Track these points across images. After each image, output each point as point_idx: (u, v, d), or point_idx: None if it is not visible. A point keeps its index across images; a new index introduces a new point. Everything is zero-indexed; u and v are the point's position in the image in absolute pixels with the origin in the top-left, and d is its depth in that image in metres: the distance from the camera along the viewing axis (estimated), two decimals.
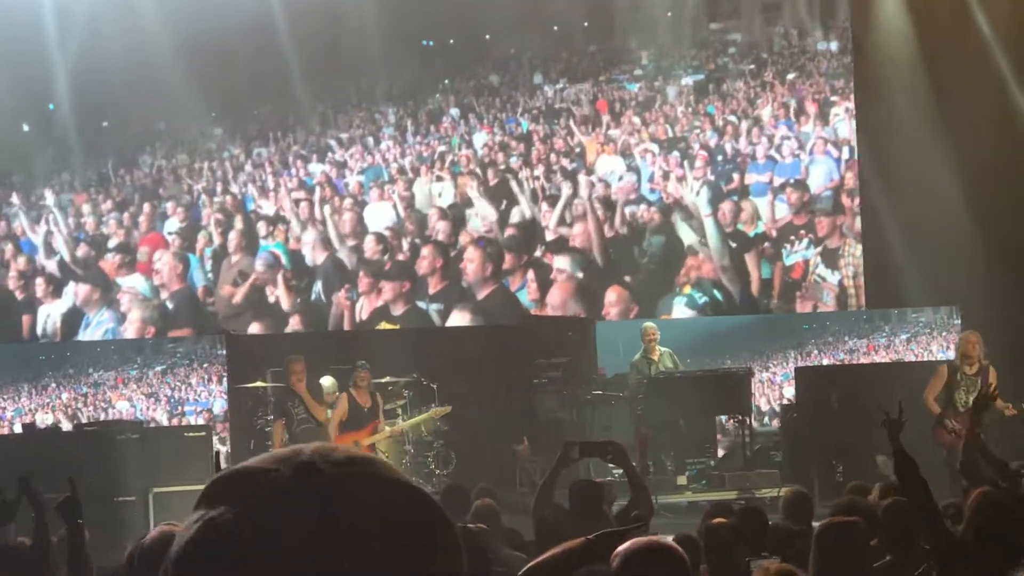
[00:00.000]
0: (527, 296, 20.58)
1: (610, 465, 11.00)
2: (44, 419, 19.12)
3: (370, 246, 20.65)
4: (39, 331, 20.27)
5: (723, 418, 18.22)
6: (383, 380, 16.80)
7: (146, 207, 20.82)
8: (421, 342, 18.69)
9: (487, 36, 21.61)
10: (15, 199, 20.68)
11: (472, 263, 20.57)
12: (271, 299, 20.47)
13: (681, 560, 4.98)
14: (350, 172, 21.12)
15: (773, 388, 20.23)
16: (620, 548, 4.87)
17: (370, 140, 21.32)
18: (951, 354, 16.56)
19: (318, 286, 20.58)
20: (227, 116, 21.12)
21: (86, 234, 20.67)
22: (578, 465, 12.14)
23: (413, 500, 1.46)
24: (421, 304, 20.46)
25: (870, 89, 20.60)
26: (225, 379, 19.28)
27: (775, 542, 7.92)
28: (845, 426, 15.61)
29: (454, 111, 21.48)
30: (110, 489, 14.98)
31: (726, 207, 20.79)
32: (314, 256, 20.65)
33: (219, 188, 20.99)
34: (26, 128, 20.66)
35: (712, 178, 20.88)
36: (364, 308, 20.41)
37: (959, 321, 19.29)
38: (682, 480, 16.63)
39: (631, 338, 18.19)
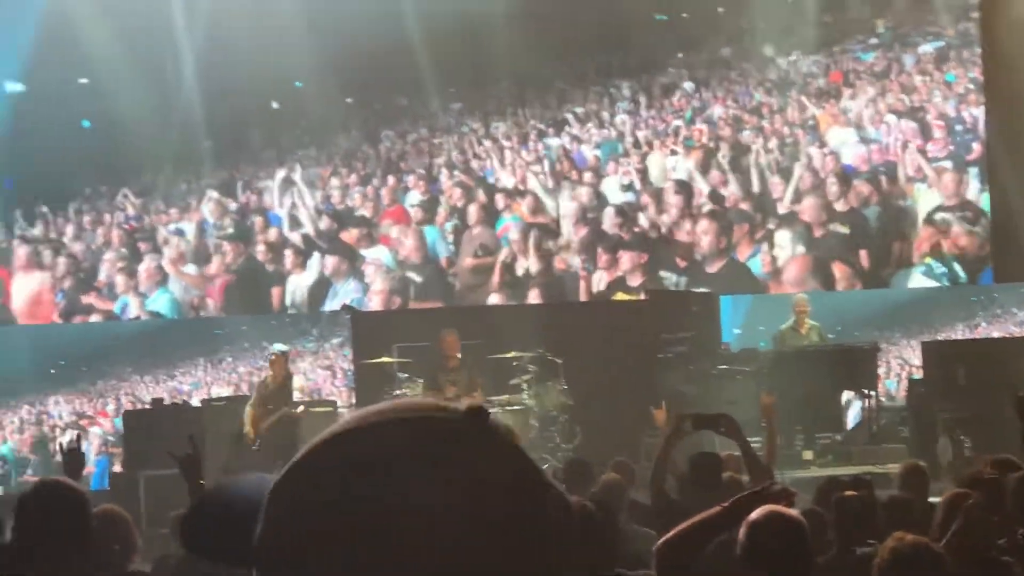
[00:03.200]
0: (761, 268, 20.57)
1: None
2: (220, 392, 19.56)
3: (609, 219, 20.85)
4: (288, 302, 20.84)
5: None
6: (508, 355, 16.77)
7: (390, 180, 21.30)
8: (547, 317, 18.58)
9: (720, 9, 21.64)
10: (264, 174, 21.30)
11: (707, 236, 20.63)
12: (520, 270, 20.76)
13: (803, 530, 4.97)
14: (587, 146, 21.35)
15: None
16: (746, 517, 4.92)
17: (605, 115, 21.50)
18: None
19: (561, 259, 20.82)
20: (466, 92, 21.50)
21: (332, 207, 21.20)
22: (704, 439, 12.11)
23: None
24: (665, 274, 20.58)
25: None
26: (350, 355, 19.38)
27: (891, 514, 7.82)
28: (973, 401, 15.32)
29: (688, 85, 21.55)
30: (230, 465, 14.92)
31: (949, 178, 20.50)
32: (559, 228, 20.91)
33: (459, 162, 21.37)
34: (275, 106, 21.27)
35: (952, 148, 20.64)
36: (603, 279, 20.62)
37: None
38: (808, 455, 16.45)
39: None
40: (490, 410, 1.43)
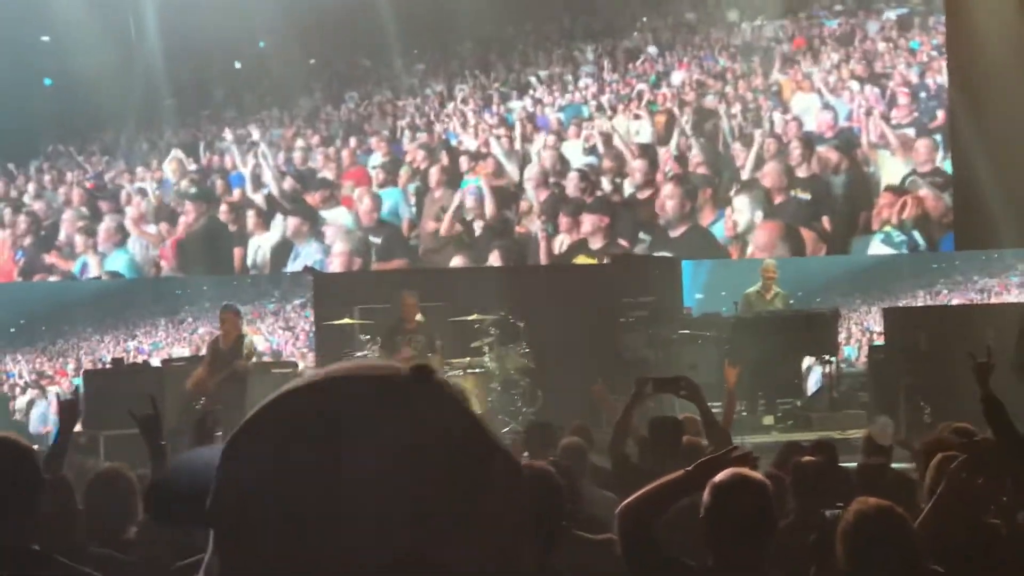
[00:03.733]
0: (724, 232, 20.62)
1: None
2: (180, 353, 19.49)
3: (572, 182, 20.85)
4: (250, 262, 20.79)
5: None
6: (470, 317, 16.74)
7: (352, 142, 21.25)
8: (509, 280, 18.50)
9: None
10: (227, 134, 21.22)
11: (671, 200, 20.66)
12: (478, 232, 20.78)
13: (768, 492, 4.95)
14: (550, 109, 21.34)
15: None
16: (711, 480, 4.90)
17: (569, 78, 21.49)
18: None
19: (525, 222, 20.83)
20: (429, 54, 21.45)
21: (294, 168, 21.15)
22: (664, 402, 12.15)
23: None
24: (644, 236, 20.63)
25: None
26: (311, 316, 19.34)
27: (859, 478, 7.87)
28: (933, 368, 15.25)
29: (652, 49, 21.55)
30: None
31: (921, 144, 20.60)
32: (520, 191, 20.91)
33: (422, 124, 21.33)
34: (238, 65, 21.18)
35: (916, 115, 20.72)
36: (564, 242, 20.64)
37: None
38: (769, 420, 16.51)
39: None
40: (450, 372, 1.45)
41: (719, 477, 4.90)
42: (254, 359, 16.07)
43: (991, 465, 6.41)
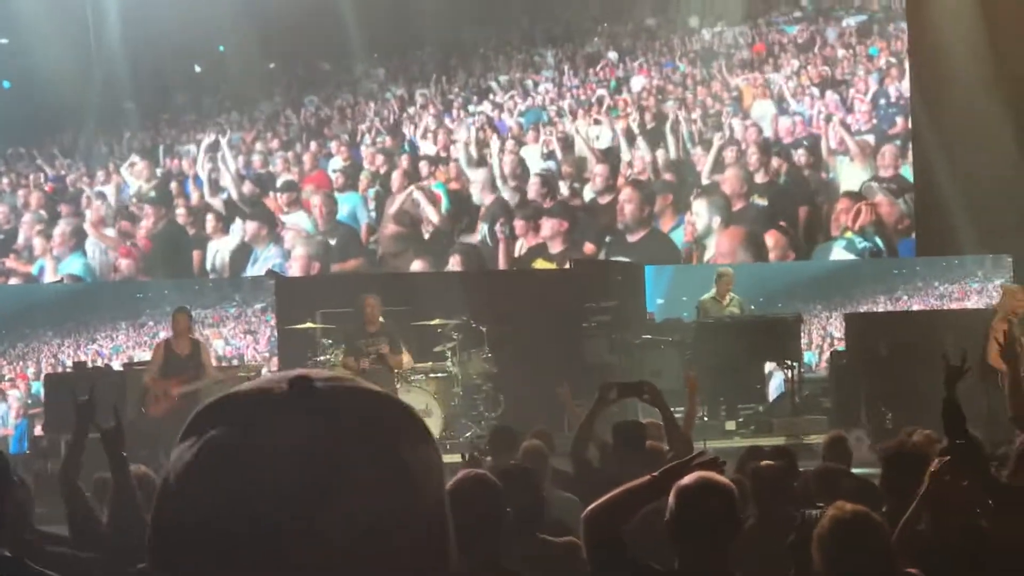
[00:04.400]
0: (683, 238, 20.67)
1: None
2: (141, 356, 19.38)
3: (533, 187, 20.87)
4: (208, 266, 20.72)
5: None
6: (432, 322, 16.76)
7: (312, 146, 21.21)
8: (472, 285, 18.49)
9: None
10: (187, 138, 21.14)
11: (630, 204, 20.70)
12: (435, 236, 20.76)
13: (732, 496, 4.97)
14: (510, 114, 21.34)
15: None
16: (676, 484, 4.92)
17: (529, 83, 21.51)
18: None
19: (482, 227, 20.83)
20: (390, 57, 21.43)
21: (253, 172, 21.09)
22: (628, 407, 12.18)
23: (395, 408, 1.50)
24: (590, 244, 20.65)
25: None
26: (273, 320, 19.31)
27: (821, 483, 7.92)
28: (895, 373, 15.30)
29: (612, 55, 21.59)
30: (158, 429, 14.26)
31: (887, 150, 20.70)
32: (481, 196, 20.92)
33: (382, 128, 21.31)
34: (198, 69, 21.11)
35: (875, 121, 20.81)
36: (523, 246, 20.66)
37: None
38: (731, 426, 16.54)
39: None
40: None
41: (685, 481, 4.92)
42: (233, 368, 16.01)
43: (974, 467, 6.45)
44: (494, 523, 5.37)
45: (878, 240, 20.45)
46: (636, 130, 21.03)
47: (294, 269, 20.60)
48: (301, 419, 1.42)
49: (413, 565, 1.44)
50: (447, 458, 8.62)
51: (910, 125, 20.60)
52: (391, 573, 1.42)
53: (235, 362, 19.22)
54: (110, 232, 20.80)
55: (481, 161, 21.04)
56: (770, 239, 20.52)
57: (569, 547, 6.12)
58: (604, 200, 20.78)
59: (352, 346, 16.19)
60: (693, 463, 5.15)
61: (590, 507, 5.14)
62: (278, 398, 1.45)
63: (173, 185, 20.98)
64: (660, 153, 20.91)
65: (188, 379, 15.29)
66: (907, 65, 20.80)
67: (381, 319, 16.41)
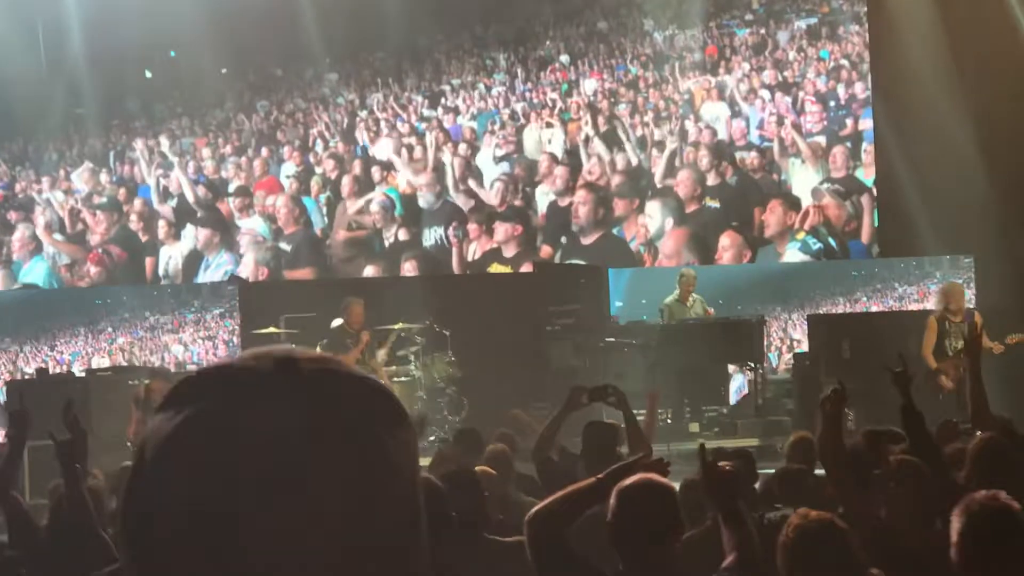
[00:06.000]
0: (635, 242, 20.68)
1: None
2: (100, 363, 19.30)
3: (484, 191, 20.86)
4: (161, 272, 20.63)
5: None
6: (396, 326, 16.80)
7: (264, 151, 21.14)
8: (435, 289, 18.53)
9: None
10: (138, 144, 21.04)
11: (584, 206, 20.70)
12: (388, 241, 20.73)
13: (673, 497, 5.00)
14: (462, 118, 21.33)
15: None
16: (617, 486, 4.93)
17: (482, 86, 21.49)
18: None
19: (435, 231, 20.81)
20: (342, 62, 21.38)
21: (205, 178, 21.01)
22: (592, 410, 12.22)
23: (378, 391, 1.50)
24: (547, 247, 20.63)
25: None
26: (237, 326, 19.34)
27: (784, 485, 7.95)
28: (857, 374, 15.40)
29: (564, 58, 21.60)
30: (122, 435, 14.22)
31: (838, 152, 20.76)
32: (434, 200, 20.88)
33: (334, 133, 21.26)
34: (149, 75, 21.02)
35: (826, 123, 20.88)
36: (476, 250, 20.64)
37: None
38: (695, 428, 16.60)
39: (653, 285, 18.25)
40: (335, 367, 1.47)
41: (626, 482, 4.94)
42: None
43: (934, 469, 6.49)
44: (436, 525, 5.36)
45: (833, 242, 20.47)
46: (590, 132, 21.03)
47: (244, 274, 20.51)
48: (285, 401, 1.41)
49: (391, 547, 1.44)
50: None
51: (869, 126, 20.62)
52: (370, 556, 1.41)
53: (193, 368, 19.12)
54: (60, 237, 20.68)
55: (434, 165, 21.01)
56: (726, 239, 20.51)
57: (516, 547, 6.13)
58: (563, 202, 20.78)
59: (335, 346, 16.14)
60: (639, 464, 5.17)
61: (534, 508, 5.19)
62: (263, 377, 1.43)
63: (125, 190, 20.87)
64: (613, 156, 20.91)
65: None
66: (862, 67, 20.86)
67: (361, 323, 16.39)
